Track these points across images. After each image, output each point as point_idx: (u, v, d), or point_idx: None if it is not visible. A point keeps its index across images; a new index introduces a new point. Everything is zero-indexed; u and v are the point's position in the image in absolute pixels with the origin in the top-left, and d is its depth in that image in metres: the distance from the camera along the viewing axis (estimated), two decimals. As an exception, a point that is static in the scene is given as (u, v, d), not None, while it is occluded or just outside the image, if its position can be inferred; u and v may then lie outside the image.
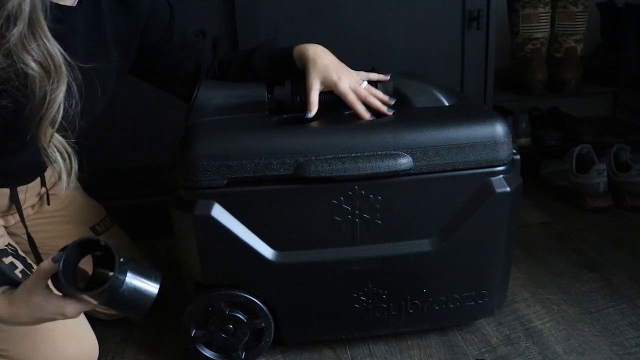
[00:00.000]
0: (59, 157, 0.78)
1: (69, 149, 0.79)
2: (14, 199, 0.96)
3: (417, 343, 1.00)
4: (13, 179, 0.95)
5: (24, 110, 0.75)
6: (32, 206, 1.03)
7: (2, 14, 0.68)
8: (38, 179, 1.00)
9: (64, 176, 0.79)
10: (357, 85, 0.93)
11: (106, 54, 0.91)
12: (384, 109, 0.92)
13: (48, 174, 1.02)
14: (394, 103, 0.94)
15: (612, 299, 1.10)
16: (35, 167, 0.97)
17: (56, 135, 0.77)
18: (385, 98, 0.93)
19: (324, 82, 0.92)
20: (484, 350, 0.97)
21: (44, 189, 1.03)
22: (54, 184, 1.05)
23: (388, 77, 0.96)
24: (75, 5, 0.83)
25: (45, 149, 0.77)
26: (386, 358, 0.97)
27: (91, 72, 0.79)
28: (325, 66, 0.92)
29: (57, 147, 0.77)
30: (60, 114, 0.75)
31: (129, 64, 0.98)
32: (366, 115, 0.91)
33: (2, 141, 0.83)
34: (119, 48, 0.92)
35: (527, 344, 0.98)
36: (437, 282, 0.93)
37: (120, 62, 0.94)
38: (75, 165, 0.79)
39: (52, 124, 0.75)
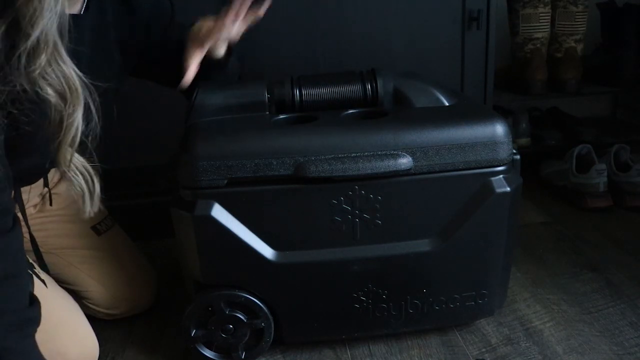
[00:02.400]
0: (81, 180, 0.76)
1: (90, 170, 0.77)
2: (17, 199, 0.96)
3: (417, 343, 1.00)
4: (17, 180, 0.95)
5: (37, 132, 0.73)
6: (35, 206, 1.03)
7: (27, 45, 0.64)
8: (41, 179, 1.00)
9: (87, 198, 0.77)
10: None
11: (110, 59, 0.91)
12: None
13: (51, 174, 1.03)
14: None
15: (612, 299, 1.10)
16: (39, 170, 0.97)
17: (76, 156, 0.75)
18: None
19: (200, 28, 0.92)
20: (484, 350, 0.97)
21: (46, 189, 1.03)
22: (56, 184, 1.06)
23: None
24: (80, 13, 0.83)
25: (66, 172, 0.75)
26: (386, 358, 0.97)
27: (95, 78, 0.79)
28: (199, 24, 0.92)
29: (78, 169, 0.76)
30: (79, 136, 0.73)
31: (131, 66, 0.98)
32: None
33: (17, 158, 0.80)
34: (121, 51, 0.93)
35: (527, 344, 0.98)
36: (437, 282, 0.93)
37: (122, 66, 0.94)
38: (97, 186, 0.78)
39: (72, 145, 0.73)
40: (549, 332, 1.01)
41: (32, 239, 1.01)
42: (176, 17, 1.00)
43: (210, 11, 1.28)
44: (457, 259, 0.92)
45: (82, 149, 0.77)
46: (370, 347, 0.99)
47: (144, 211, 1.36)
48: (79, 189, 0.77)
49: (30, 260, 0.94)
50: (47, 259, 1.03)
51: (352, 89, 0.98)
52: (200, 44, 0.91)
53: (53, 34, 0.66)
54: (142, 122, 1.33)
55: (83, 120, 0.74)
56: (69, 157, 0.74)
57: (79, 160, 0.76)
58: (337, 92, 0.98)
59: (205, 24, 0.91)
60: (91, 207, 0.78)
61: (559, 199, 1.57)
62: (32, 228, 1.01)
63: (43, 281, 0.93)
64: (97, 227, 1.09)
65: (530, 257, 1.27)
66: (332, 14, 1.33)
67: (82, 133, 0.74)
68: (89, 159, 0.78)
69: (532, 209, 1.53)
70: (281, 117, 0.95)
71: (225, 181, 0.84)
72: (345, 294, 0.92)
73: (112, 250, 1.08)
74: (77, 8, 0.82)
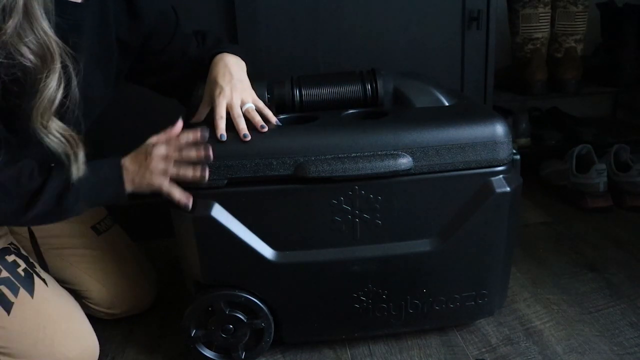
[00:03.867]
0: (63, 142, 0.77)
1: (73, 134, 0.78)
2: None
3: (417, 343, 1.00)
4: None
5: (21, 100, 0.75)
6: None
7: None
8: None
9: (72, 162, 0.78)
10: (234, 103, 0.88)
11: (109, 54, 0.91)
12: (245, 131, 0.85)
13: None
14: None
15: (612, 299, 1.10)
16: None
17: (55, 120, 0.76)
18: (260, 122, 0.86)
19: (210, 97, 0.91)
20: (484, 350, 0.97)
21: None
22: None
23: (274, 120, 0.89)
24: (80, 1, 0.83)
25: (46, 137, 0.76)
26: (386, 358, 0.97)
27: (93, 69, 0.79)
28: (214, 81, 0.91)
29: (59, 133, 0.77)
30: (58, 98, 0.75)
31: (127, 67, 0.98)
32: (240, 132, 0.85)
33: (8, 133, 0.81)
34: (120, 50, 0.93)
35: (527, 344, 0.98)
36: (437, 282, 0.93)
37: (119, 64, 0.94)
38: (81, 152, 0.79)
39: (50, 107, 0.75)
40: (549, 332, 1.01)
41: (33, 239, 1.02)
42: (179, 34, 1.00)
43: (209, 16, 1.29)
44: (457, 259, 0.92)
45: (68, 118, 0.78)
46: (370, 347, 1.00)
47: (144, 211, 1.36)
48: (60, 151, 0.78)
49: (31, 260, 0.95)
50: (47, 258, 1.03)
51: (352, 89, 0.98)
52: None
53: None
54: (143, 122, 1.32)
55: (61, 84, 0.75)
56: (46, 119, 0.75)
57: (57, 124, 0.77)
58: (337, 92, 0.98)
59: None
60: (77, 170, 0.79)
61: (559, 199, 1.57)
62: (32, 227, 1.01)
63: (44, 280, 0.93)
64: (97, 226, 1.09)
65: (530, 257, 1.27)
66: (332, 14, 1.33)
67: (62, 96, 0.75)
68: (73, 128, 0.79)
69: (532, 209, 1.53)
70: (281, 117, 0.95)
71: (225, 181, 0.84)
72: (345, 294, 0.92)
73: (112, 249, 1.09)
74: None
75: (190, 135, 0.84)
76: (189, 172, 0.83)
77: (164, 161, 0.83)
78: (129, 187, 0.84)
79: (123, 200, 0.84)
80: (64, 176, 0.79)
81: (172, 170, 0.83)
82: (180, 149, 0.83)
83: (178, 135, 0.85)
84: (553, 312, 1.07)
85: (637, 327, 1.01)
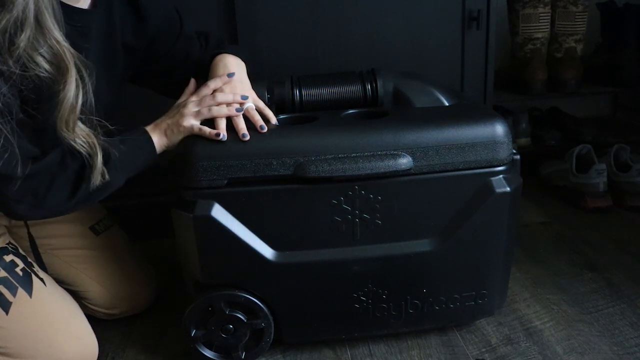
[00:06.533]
0: (87, 147, 0.78)
1: (95, 141, 0.79)
2: None
3: (417, 343, 1.00)
4: None
5: (38, 111, 0.75)
6: (33, 206, 1.03)
7: (10, 20, 0.68)
8: None
9: (93, 168, 0.79)
10: (232, 101, 0.89)
11: (115, 58, 0.91)
12: (244, 131, 0.86)
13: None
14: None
15: (612, 299, 1.10)
16: None
17: (80, 125, 0.78)
18: (260, 122, 0.87)
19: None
20: (484, 350, 0.97)
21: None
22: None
23: (274, 120, 0.91)
24: (87, 8, 0.83)
25: (74, 142, 0.77)
26: (386, 358, 0.97)
27: (99, 74, 0.80)
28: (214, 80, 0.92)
29: (83, 137, 0.78)
30: (79, 104, 0.76)
31: (131, 71, 0.98)
32: (239, 132, 0.86)
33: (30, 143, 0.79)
34: (125, 54, 0.93)
35: (527, 344, 0.98)
36: (437, 282, 0.93)
37: (124, 68, 0.94)
38: (99, 159, 0.79)
39: (73, 113, 0.76)
40: (549, 332, 1.01)
41: (31, 240, 1.01)
42: (183, 36, 1.00)
43: (209, 16, 1.29)
44: (457, 258, 0.92)
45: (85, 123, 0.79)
46: (370, 347, 0.99)
47: (144, 211, 1.36)
48: (85, 155, 0.79)
49: (29, 260, 0.94)
50: (45, 259, 1.03)
51: (352, 89, 0.98)
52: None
53: (32, 8, 0.69)
54: (142, 122, 1.33)
55: (80, 92, 0.76)
56: (72, 125, 0.77)
57: (82, 128, 0.78)
58: (337, 92, 0.98)
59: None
60: (95, 179, 0.80)
61: (559, 199, 1.57)
62: (30, 228, 1.01)
63: (42, 280, 0.93)
64: (95, 227, 1.09)
65: (530, 257, 1.27)
66: (332, 14, 1.33)
67: (82, 103, 0.76)
68: (94, 133, 0.80)
69: (532, 209, 1.53)
70: (281, 117, 0.95)
71: (225, 181, 0.84)
72: (345, 294, 0.92)
73: (110, 250, 1.08)
74: (86, 3, 0.83)
75: (219, 81, 0.90)
76: (222, 110, 0.87)
77: (197, 105, 0.88)
78: (160, 141, 0.88)
79: (155, 159, 0.88)
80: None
81: (205, 111, 0.87)
82: (212, 94, 0.89)
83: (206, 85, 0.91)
84: (553, 312, 1.07)
85: (637, 327, 1.01)
